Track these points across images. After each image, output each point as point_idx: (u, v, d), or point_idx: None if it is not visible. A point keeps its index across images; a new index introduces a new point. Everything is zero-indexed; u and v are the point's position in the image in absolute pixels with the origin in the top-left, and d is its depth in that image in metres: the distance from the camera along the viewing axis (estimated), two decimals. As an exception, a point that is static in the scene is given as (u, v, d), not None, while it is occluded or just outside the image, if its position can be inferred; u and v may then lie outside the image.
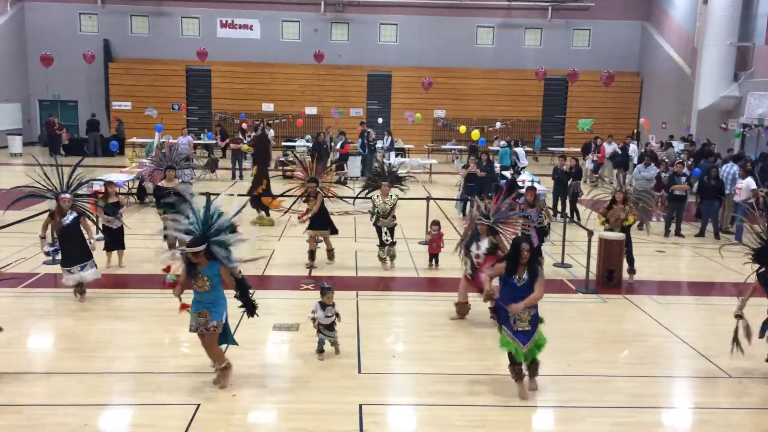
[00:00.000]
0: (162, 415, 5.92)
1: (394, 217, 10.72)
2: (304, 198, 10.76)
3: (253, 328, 8.06)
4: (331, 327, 7.21)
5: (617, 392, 6.68)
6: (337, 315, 7.22)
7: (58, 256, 8.98)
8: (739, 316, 7.05)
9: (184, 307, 6.34)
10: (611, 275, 10.18)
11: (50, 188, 8.86)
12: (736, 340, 7.07)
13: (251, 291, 6.60)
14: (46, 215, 8.95)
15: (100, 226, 9.82)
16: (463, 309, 8.52)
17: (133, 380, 6.49)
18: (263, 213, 14.03)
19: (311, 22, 30.13)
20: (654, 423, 6.15)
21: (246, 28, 30.11)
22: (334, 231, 10.90)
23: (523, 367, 6.42)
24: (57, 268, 10.14)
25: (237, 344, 6.65)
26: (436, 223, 11.06)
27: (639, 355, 7.73)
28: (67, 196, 8.75)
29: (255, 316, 6.67)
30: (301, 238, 11.64)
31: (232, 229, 6.37)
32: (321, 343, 7.21)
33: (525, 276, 6.29)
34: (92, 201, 9.88)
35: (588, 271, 10.12)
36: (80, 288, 8.81)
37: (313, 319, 7.19)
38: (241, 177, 20.75)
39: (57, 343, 7.78)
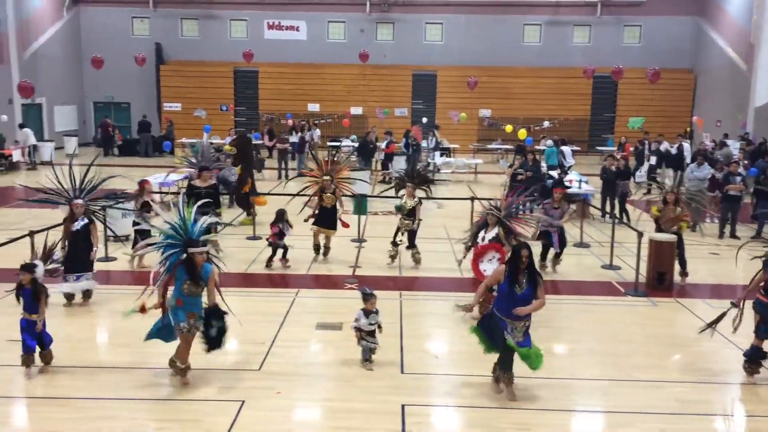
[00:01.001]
0: (207, 411, 6.01)
1: (419, 220, 10.59)
2: (318, 195, 10.78)
3: (297, 326, 8.17)
4: (372, 333, 6.99)
5: (667, 398, 6.49)
6: (379, 326, 6.97)
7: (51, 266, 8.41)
8: (734, 305, 6.97)
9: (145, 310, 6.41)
10: (662, 278, 9.91)
11: (63, 194, 8.75)
12: (715, 323, 7.11)
13: (223, 320, 6.41)
14: (64, 224, 8.79)
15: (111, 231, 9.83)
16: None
17: (177, 375, 6.59)
18: (246, 213, 13.93)
19: (357, 22, 30.26)
20: (704, 430, 5.96)
21: (293, 29, 30.45)
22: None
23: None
24: (105, 266, 10.44)
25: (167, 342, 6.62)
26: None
27: (690, 360, 7.51)
28: (80, 201, 8.65)
29: (213, 351, 6.46)
30: (342, 237, 11.71)
31: (207, 231, 6.66)
32: (366, 351, 6.98)
33: (525, 284, 6.06)
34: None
35: (637, 273, 9.87)
36: (72, 298, 8.76)
37: (357, 328, 6.97)
38: (287, 177, 20.96)
39: (108, 339, 8.01)
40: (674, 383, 6.84)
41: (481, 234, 8.67)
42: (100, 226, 9.16)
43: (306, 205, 11.07)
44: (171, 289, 6.37)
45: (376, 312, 6.96)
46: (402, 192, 10.81)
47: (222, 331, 6.38)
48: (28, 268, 6.74)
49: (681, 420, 6.06)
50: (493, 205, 8.78)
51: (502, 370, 6.28)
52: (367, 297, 6.94)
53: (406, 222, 10.56)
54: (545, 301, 6.20)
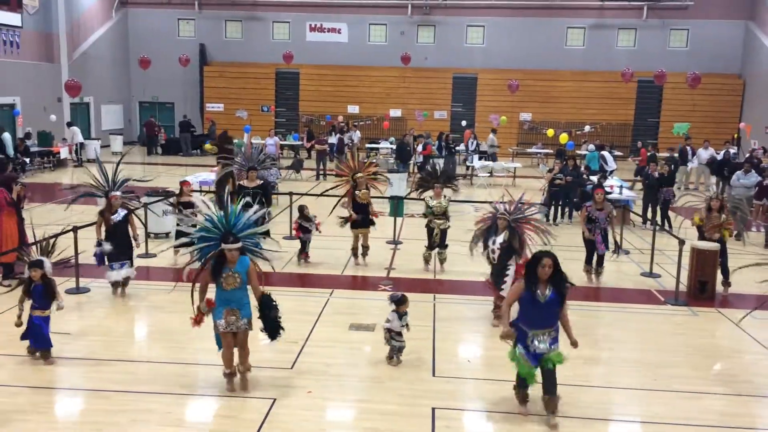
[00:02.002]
0: (240, 407, 6.08)
1: (448, 218, 10.54)
2: (350, 194, 10.75)
3: (330, 326, 8.21)
4: (400, 333, 7.11)
5: (706, 410, 6.31)
6: (407, 326, 7.10)
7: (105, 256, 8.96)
8: None
9: (210, 303, 6.19)
10: (704, 287, 9.67)
11: (101, 187, 9.24)
12: None
13: (275, 305, 6.33)
14: (97, 216, 9.11)
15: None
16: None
17: (216, 372, 6.68)
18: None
19: (398, 24, 30.30)
20: (746, 445, 5.78)
21: (334, 31, 30.64)
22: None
23: (536, 385, 5.92)
24: (145, 262, 10.66)
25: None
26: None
27: (731, 372, 7.30)
28: (118, 193, 9.07)
29: (277, 338, 6.39)
30: (378, 239, 11.71)
31: (254, 224, 6.41)
32: (394, 349, 7.07)
33: (548, 292, 5.69)
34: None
35: (678, 282, 9.64)
36: (119, 286, 9.06)
37: (388, 329, 7.06)
38: (324, 177, 21.10)
39: (147, 334, 8.17)
40: (714, 395, 6.66)
41: (490, 245, 8.21)
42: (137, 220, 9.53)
43: (338, 205, 11.06)
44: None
45: (406, 314, 7.09)
46: (428, 193, 10.74)
47: (276, 318, 6.30)
48: (37, 264, 6.88)
49: (720, 433, 5.90)
50: (505, 209, 8.31)
51: (519, 386, 6.01)
52: (402, 301, 7.07)
53: (439, 222, 10.51)
54: (568, 316, 5.89)
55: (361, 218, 10.69)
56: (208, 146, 16.78)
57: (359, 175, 10.75)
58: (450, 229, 10.64)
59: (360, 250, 10.95)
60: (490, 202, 8.82)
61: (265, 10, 30.64)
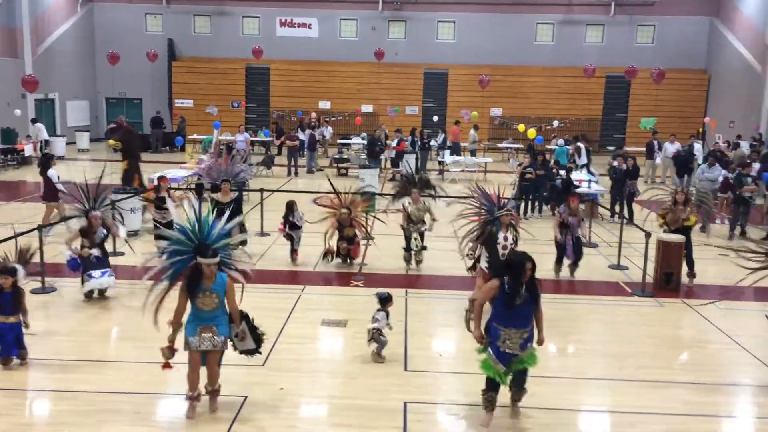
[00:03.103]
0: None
1: (424, 222, 10.57)
2: (335, 227, 10.44)
3: (302, 322, 8.20)
4: (381, 330, 7.16)
5: (672, 399, 6.45)
6: (389, 325, 7.17)
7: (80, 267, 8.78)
8: None
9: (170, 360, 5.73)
10: (669, 278, 9.86)
11: (80, 206, 9.07)
12: None
13: (253, 323, 5.98)
14: (76, 231, 8.94)
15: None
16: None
17: (184, 371, 6.62)
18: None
19: (369, 20, 30.23)
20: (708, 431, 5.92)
21: (304, 26, 30.47)
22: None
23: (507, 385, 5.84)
24: (113, 260, 10.49)
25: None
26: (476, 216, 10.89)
27: (696, 361, 7.47)
28: (98, 213, 8.88)
29: (257, 354, 6.08)
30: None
31: (228, 234, 5.98)
32: (382, 346, 7.10)
33: (524, 293, 5.62)
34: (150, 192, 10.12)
35: (645, 274, 9.81)
36: (92, 294, 8.86)
37: (377, 329, 7.05)
38: (296, 174, 21.02)
39: (115, 333, 8.05)
40: (679, 384, 6.80)
41: (502, 241, 8.16)
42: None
43: (320, 205, 10.79)
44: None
45: (389, 312, 7.22)
46: (407, 199, 10.70)
47: (257, 337, 5.97)
48: (10, 272, 6.68)
49: (686, 421, 6.03)
50: (504, 205, 8.43)
51: (487, 390, 5.84)
52: (389, 299, 7.22)
53: (416, 226, 10.52)
54: (542, 314, 5.86)
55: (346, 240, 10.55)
56: (111, 142, 16.25)
57: (344, 211, 10.35)
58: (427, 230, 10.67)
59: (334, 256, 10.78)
60: (471, 197, 8.98)
61: (234, 4, 30.33)
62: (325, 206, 11.03)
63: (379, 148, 20.54)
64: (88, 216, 8.87)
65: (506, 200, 8.67)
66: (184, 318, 5.69)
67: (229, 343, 5.88)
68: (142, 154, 15.75)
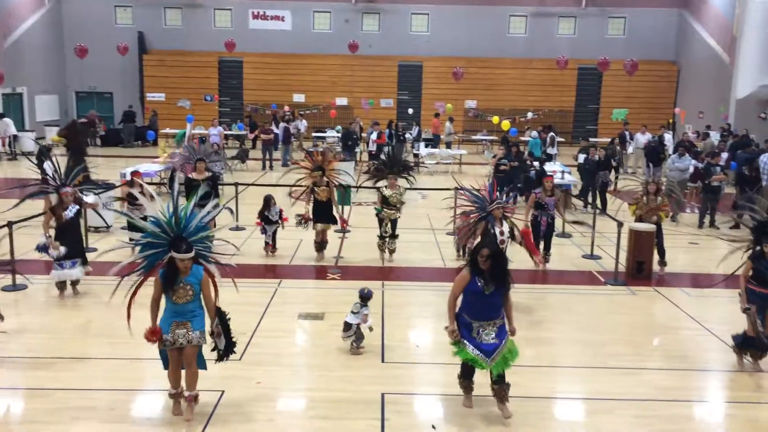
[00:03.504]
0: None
1: (398, 208, 10.60)
2: (310, 189, 10.48)
3: (278, 316, 8.18)
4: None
5: (645, 384, 6.57)
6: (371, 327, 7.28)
7: (52, 251, 8.56)
8: (747, 309, 6.79)
9: (155, 333, 5.48)
10: (641, 267, 10.02)
11: (51, 183, 8.81)
12: (760, 336, 6.81)
13: (228, 321, 5.81)
14: (47, 212, 8.75)
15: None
16: None
17: (159, 366, 6.58)
18: None
19: (342, 12, 30.12)
20: (681, 416, 6.04)
21: (277, 19, 30.25)
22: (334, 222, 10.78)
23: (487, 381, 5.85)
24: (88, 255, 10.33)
25: (206, 369, 5.83)
26: (466, 214, 10.95)
27: (668, 347, 7.61)
28: (69, 189, 8.68)
29: (226, 359, 5.87)
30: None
31: (206, 227, 5.74)
32: (361, 339, 7.16)
33: (492, 283, 5.62)
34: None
35: (617, 263, 9.97)
36: (65, 288, 8.73)
37: (358, 325, 7.13)
38: (271, 167, 20.90)
39: (87, 330, 7.94)
40: (651, 370, 6.93)
41: (499, 236, 7.99)
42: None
43: (295, 198, 10.79)
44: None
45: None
46: (383, 183, 10.76)
47: (230, 337, 5.81)
48: None
49: (658, 406, 6.14)
50: (492, 198, 8.23)
51: (463, 378, 5.95)
52: (370, 297, 7.25)
53: (390, 212, 10.55)
54: (512, 304, 5.91)
55: (322, 214, 10.52)
56: (54, 138, 15.96)
57: (316, 173, 10.41)
58: (399, 219, 10.71)
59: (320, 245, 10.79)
60: (458, 188, 8.88)
61: (206, -4, 30.02)
62: (302, 166, 10.94)
63: (354, 141, 20.50)
64: (59, 191, 8.67)
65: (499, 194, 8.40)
66: (160, 314, 5.60)
67: (209, 340, 5.74)
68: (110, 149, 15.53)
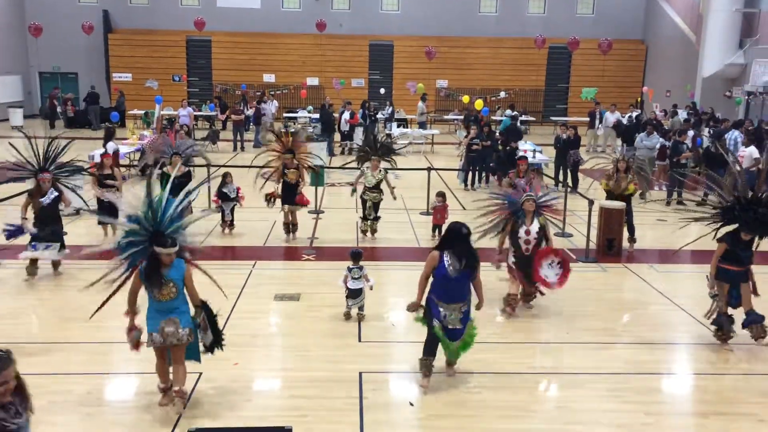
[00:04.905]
0: (164, 383, 5.99)
1: (381, 191, 10.68)
2: (281, 170, 10.46)
3: (254, 297, 8.18)
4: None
5: (616, 359, 6.74)
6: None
7: (22, 235, 8.47)
8: (715, 295, 6.96)
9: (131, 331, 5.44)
10: (611, 244, 10.21)
11: (29, 167, 8.59)
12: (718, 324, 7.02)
13: (215, 315, 5.69)
14: (24, 195, 8.62)
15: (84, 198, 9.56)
16: (513, 301, 7.77)
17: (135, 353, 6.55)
18: None
19: (312, -10, 29.76)
20: (652, 388, 6.21)
21: (246, -3, 29.78)
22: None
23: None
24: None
25: (200, 362, 5.77)
26: (441, 194, 11.05)
27: (638, 322, 7.79)
28: (47, 176, 8.49)
29: (218, 349, 5.75)
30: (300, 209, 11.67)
31: (181, 215, 5.58)
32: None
33: (460, 265, 5.70)
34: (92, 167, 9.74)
35: (588, 240, 10.14)
36: (35, 268, 8.60)
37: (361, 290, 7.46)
38: (242, 149, 20.71)
39: (60, 314, 7.85)
40: (622, 344, 7.11)
41: (524, 235, 7.50)
42: (69, 194, 8.99)
43: (265, 178, 10.77)
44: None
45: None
46: (366, 164, 10.78)
47: (217, 330, 5.69)
48: None
49: (630, 379, 6.31)
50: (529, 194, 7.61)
51: (424, 355, 5.98)
52: (360, 255, 7.67)
53: (373, 195, 10.60)
54: (481, 281, 6.05)
55: (290, 196, 10.50)
56: None
57: (287, 156, 10.41)
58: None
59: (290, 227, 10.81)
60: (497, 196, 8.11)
61: (172, -26, 29.36)
62: (270, 150, 10.88)
63: (332, 121, 20.30)
64: (37, 177, 8.50)
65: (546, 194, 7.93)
66: (143, 315, 5.46)
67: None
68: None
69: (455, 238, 5.77)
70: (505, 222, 7.71)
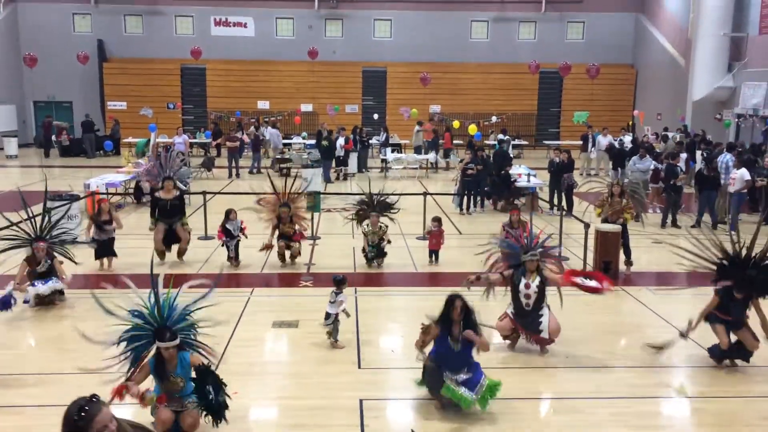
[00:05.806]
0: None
1: (388, 242, 10.71)
2: (275, 223, 10.48)
3: (252, 325, 8.15)
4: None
5: (615, 383, 6.73)
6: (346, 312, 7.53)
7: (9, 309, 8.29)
8: (683, 336, 7.02)
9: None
10: (608, 267, 10.23)
11: (25, 236, 8.64)
12: (661, 348, 7.14)
13: (220, 382, 5.47)
14: (22, 262, 8.61)
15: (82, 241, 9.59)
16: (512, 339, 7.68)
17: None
18: None
19: (305, 18, 30.11)
20: (651, 412, 6.20)
21: (240, 25, 30.11)
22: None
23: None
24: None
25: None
26: (436, 219, 11.09)
27: (637, 345, 7.78)
28: (42, 245, 8.51)
29: (222, 422, 5.49)
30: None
31: (188, 314, 5.57)
32: (336, 332, 7.48)
33: (461, 338, 5.82)
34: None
35: (585, 263, 10.17)
36: (41, 299, 8.59)
37: (336, 315, 7.42)
38: (237, 175, 20.76)
39: (56, 345, 7.80)
40: (621, 368, 7.10)
41: (524, 289, 7.32)
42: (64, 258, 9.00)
43: (262, 207, 10.76)
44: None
45: None
46: (366, 222, 10.76)
47: (221, 397, 5.45)
48: None
49: (629, 404, 6.29)
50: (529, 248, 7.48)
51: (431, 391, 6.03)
52: (344, 281, 7.50)
53: (372, 249, 10.65)
54: (488, 342, 6.08)
55: (286, 239, 10.55)
56: None
57: (284, 209, 10.39)
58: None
59: (287, 255, 10.74)
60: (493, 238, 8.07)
61: (167, 3, 29.67)
62: (265, 203, 10.85)
63: (333, 148, 20.35)
64: (32, 246, 8.54)
65: (540, 240, 7.74)
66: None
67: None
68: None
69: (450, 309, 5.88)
70: (511, 273, 7.46)
